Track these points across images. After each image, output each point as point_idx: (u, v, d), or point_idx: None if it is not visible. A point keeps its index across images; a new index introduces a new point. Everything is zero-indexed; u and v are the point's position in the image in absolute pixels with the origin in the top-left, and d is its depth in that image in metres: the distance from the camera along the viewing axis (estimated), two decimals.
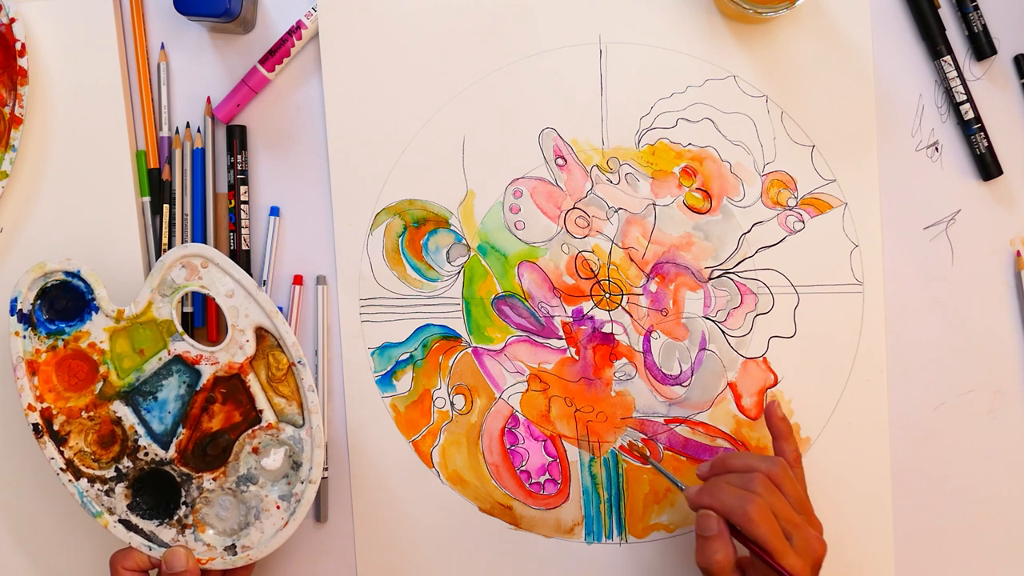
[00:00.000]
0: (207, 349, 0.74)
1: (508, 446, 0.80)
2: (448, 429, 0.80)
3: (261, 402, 0.75)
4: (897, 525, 0.80)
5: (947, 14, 0.80)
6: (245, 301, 0.74)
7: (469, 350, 0.80)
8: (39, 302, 0.74)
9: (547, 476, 0.80)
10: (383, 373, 0.80)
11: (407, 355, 0.80)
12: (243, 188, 0.79)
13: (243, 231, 0.79)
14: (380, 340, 0.80)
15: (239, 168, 0.79)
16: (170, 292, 0.74)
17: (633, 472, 0.80)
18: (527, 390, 0.80)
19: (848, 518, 0.80)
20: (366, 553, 0.80)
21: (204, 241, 0.79)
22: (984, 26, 0.80)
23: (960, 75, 0.79)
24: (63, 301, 0.74)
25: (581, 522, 0.81)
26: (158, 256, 0.79)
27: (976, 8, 0.79)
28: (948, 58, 0.79)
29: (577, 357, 0.80)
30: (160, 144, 0.80)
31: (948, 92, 0.80)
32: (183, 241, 0.79)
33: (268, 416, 0.75)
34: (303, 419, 0.75)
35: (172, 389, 0.75)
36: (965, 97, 0.80)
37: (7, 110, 0.77)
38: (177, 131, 0.80)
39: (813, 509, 0.73)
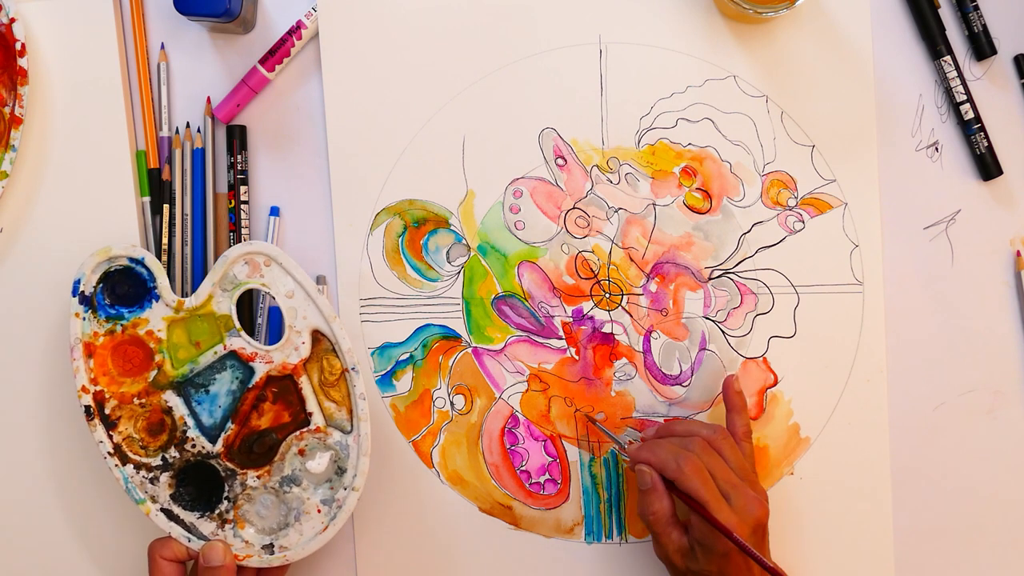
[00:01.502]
0: (262, 347, 0.75)
1: (508, 446, 0.81)
2: (448, 429, 0.80)
3: (311, 405, 0.75)
4: (897, 525, 0.80)
5: (947, 14, 0.80)
6: (304, 303, 0.74)
7: (469, 350, 0.80)
8: (101, 285, 0.74)
9: (547, 476, 0.81)
10: (383, 373, 0.80)
11: (407, 355, 0.80)
12: (243, 188, 0.79)
13: (243, 231, 0.79)
14: (380, 340, 0.80)
15: (239, 168, 0.79)
16: (231, 287, 0.75)
17: (633, 472, 0.80)
18: (527, 390, 0.80)
19: (848, 518, 0.80)
20: (366, 553, 0.80)
21: (204, 241, 0.79)
22: (984, 26, 0.80)
23: (960, 75, 0.79)
24: (125, 287, 0.75)
25: (581, 522, 0.81)
26: (158, 256, 0.79)
27: (976, 8, 0.79)
28: (948, 58, 0.79)
29: (577, 357, 0.80)
30: (160, 144, 0.80)
31: (948, 92, 0.80)
32: (183, 241, 0.79)
33: (317, 419, 0.75)
34: (351, 426, 0.75)
35: (224, 384, 0.75)
36: (965, 97, 0.80)
37: (7, 110, 0.77)
38: (177, 131, 0.80)
39: (758, 480, 0.75)
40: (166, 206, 0.79)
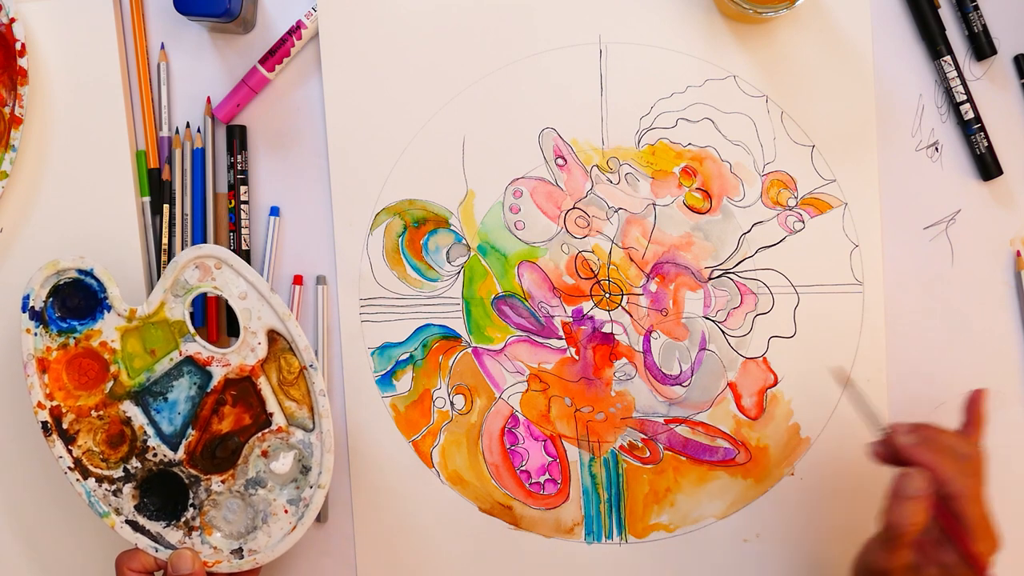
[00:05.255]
0: (219, 351, 0.74)
1: (508, 446, 0.81)
2: (448, 429, 0.80)
3: (271, 405, 0.75)
4: None
5: (947, 14, 0.80)
6: (258, 303, 0.74)
7: (469, 350, 0.80)
8: (51, 299, 0.74)
9: (547, 476, 0.81)
10: (383, 373, 0.80)
11: (407, 355, 0.80)
12: (243, 188, 0.79)
13: (243, 231, 0.79)
14: (380, 340, 0.80)
15: (239, 168, 0.79)
16: (183, 292, 0.74)
17: (633, 472, 0.80)
18: (527, 390, 0.80)
19: (848, 518, 0.80)
20: (366, 553, 0.80)
21: (204, 241, 0.79)
22: (984, 26, 0.80)
23: (960, 75, 0.79)
24: (75, 299, 0.74)
25: (581, 522, 0.81)
26: (158, 256, 0.79)
27: (976, 8, 0.80)
28: (948, 58, 0.79)
29: (577, 357, 0.80)
30: (160, 144, 0.80)
31: (948, 92, 0.80)
32: (183, 241, 0.79)
33: (278, 419, 0.75)
34: (313, 423, 0.75)
35: (182, 390, 0.75)
36: (965, 97, 0.80)
37: (7, 110, 0.77)
38: (177, 131, 0.80)
39: None
40: (166, 206, 0.79)
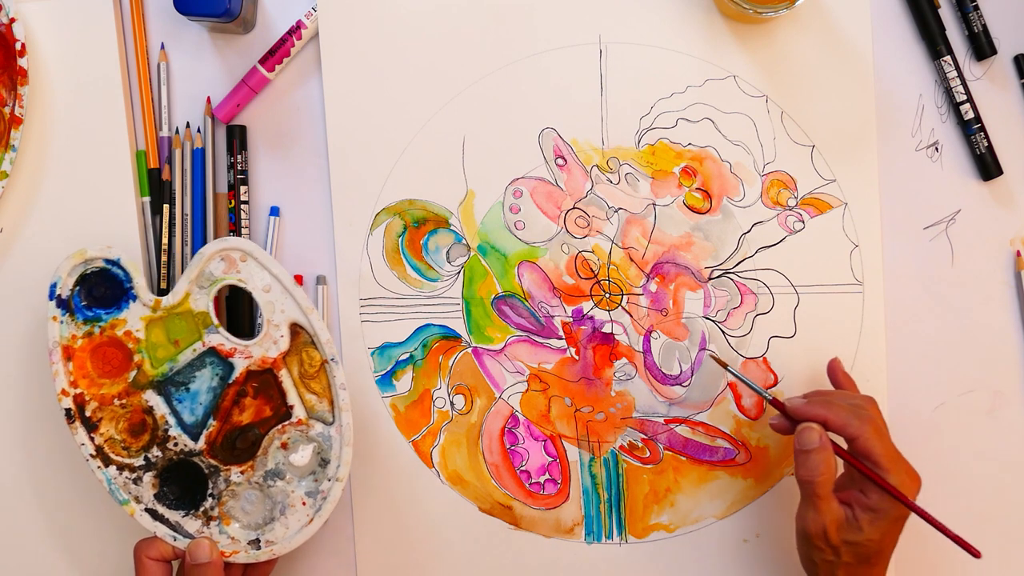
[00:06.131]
0: (241, 343, 0.75)
1: (508, 446, 0.81)
2: (448, 429, 0.80)
3: (292, 398, 0.75)
4: None
5: (947, 14, 0.80)
6: (282, 296, 0.75)
7: (469, 350, 0.80)
8: (78, 288, 0.74)
9: (547, 476, 0.81)
10: (383, 373, 0.80)
11: (407, 355, 0.80)
12: (243, 188, 0.79)
13: (243, 231, 0.79)
14: (380, 340, 0.80)
15: (239, 168, 0.79)
16: (208, 284, 0.75)
17: (633, 472, 0.80)
18: (527, 390, 0.80)
19: None
20: (366, 553, 0.80)
21: (204, 241, 0.79)
22: (984, 26, 0.80)
23: (960, 75, 0.80)
24: (102, 288, 0.75)
25: (581, 522, 0.81)
26: (158, 256, 0.79)
27: (976, 8, 0.80)
28: (948, 58, 0.79)
29: (577, 357, 0.80)
30: (160, 144, 0.80)
31: (948, 92, 0.80)
32: (183, 241, 0.79)
33: (298, 412, 0.75)
34: (333, 416, 0.75)
35: (204, 381, 0.75)
36: (965, 97, 0.80)
37: (7, 110, 0.77)
38: (177, 131, 0.80)
39: None
40: (166, 206, 0.79)
